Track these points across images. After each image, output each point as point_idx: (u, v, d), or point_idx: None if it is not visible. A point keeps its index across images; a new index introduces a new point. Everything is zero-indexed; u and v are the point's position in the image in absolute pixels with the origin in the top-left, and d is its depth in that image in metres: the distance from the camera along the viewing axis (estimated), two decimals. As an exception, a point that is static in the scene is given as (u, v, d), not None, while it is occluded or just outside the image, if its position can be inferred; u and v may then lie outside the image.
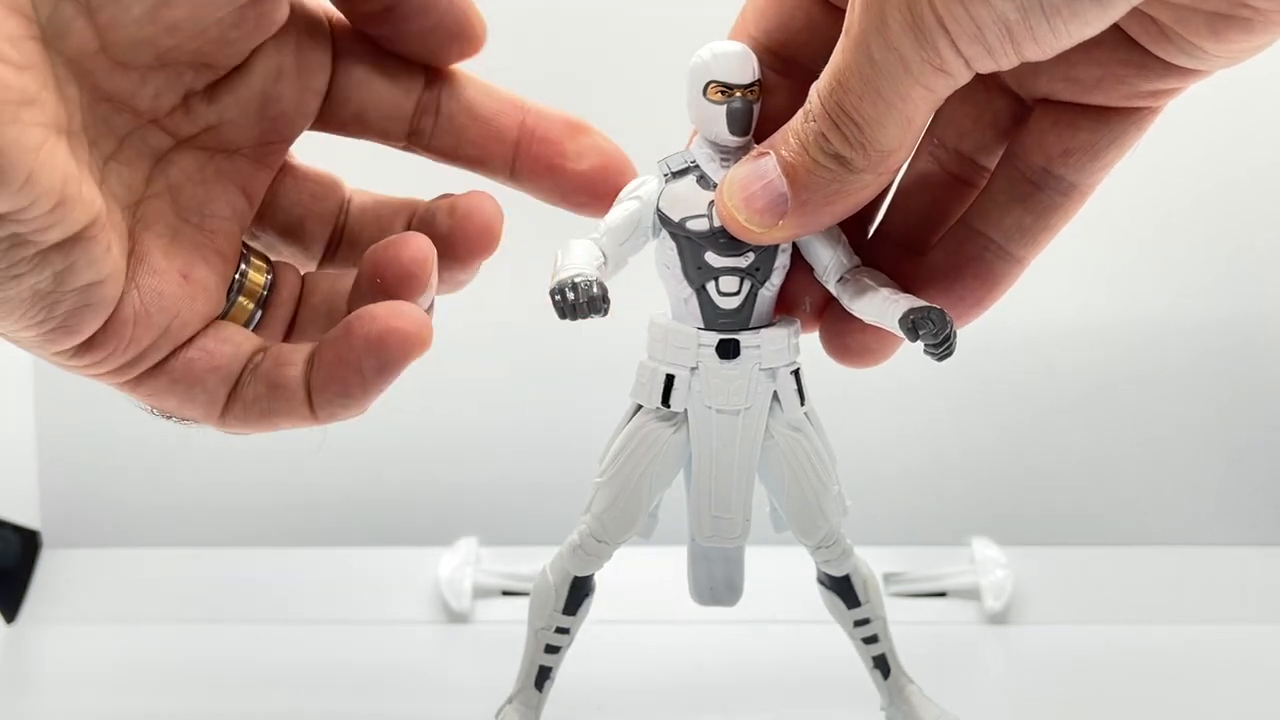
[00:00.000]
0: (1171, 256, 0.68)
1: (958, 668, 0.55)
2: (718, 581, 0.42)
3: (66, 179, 0.26)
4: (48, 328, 0.28)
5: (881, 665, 0.43)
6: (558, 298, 0.28)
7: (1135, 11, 0.30)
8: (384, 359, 0.30)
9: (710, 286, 0.37)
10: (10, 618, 0.58)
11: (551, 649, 0.43)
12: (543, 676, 0.43)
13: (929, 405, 0.68)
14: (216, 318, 0.32)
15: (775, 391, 0.39)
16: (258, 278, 0.34)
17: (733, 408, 0.38)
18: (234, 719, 0.52)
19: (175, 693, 0.53)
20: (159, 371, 0.30)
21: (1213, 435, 0.68)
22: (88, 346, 0.29)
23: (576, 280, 0.27)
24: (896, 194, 0.39)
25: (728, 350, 0.38)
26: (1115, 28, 0.31)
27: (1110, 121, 0.34)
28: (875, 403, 0.65)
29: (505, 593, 0.58)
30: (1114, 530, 0.67)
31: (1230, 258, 0.68)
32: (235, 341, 0.31)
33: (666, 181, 0.37)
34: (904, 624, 0.57)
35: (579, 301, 0.27)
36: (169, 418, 0.32)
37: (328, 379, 0.30)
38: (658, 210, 0.37)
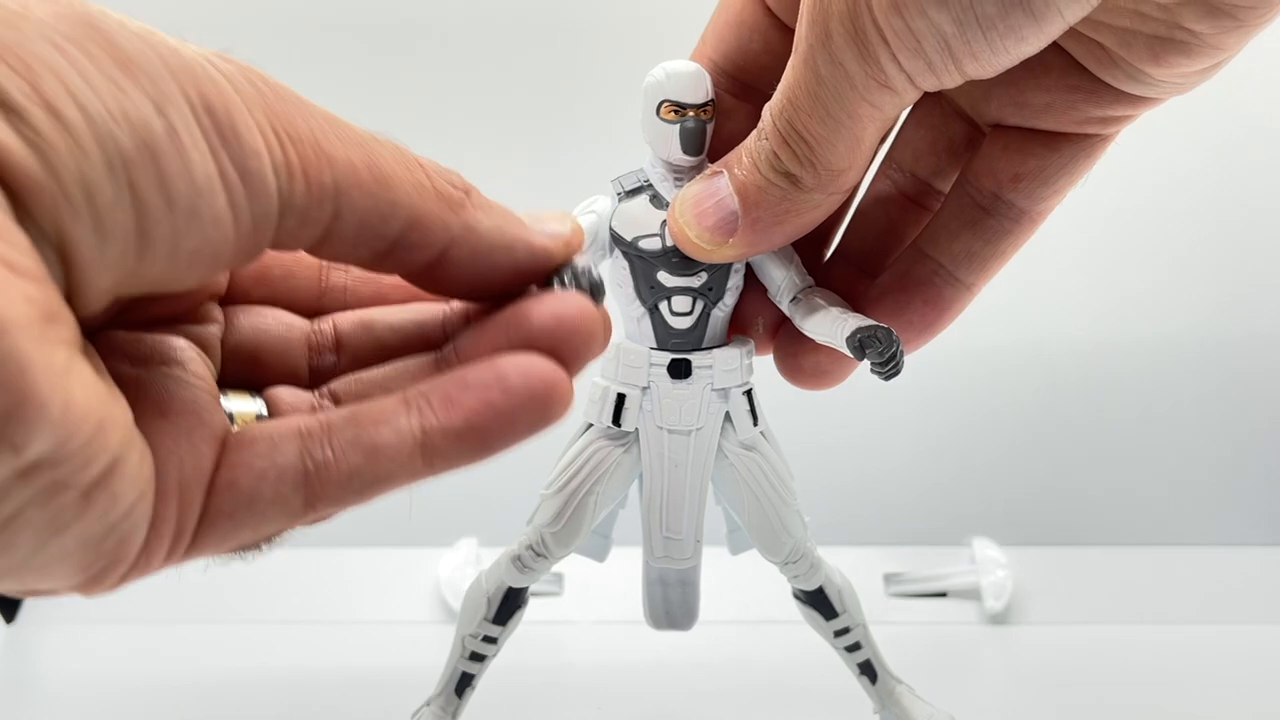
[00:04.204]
0: (1171, 261, 0.68)
1: (958, 668, 0.55)
2: (673, 605, 0.42)
3: (100, 398, 0.21)
4: (93, 572, 0.22)
5: (868, 671, 0.43)
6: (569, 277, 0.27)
7: (1082, 37, 0.31)
8: (543, 415, 0.24)
9: (663, 306, 0.37)
10: (10, 618, 0.58)
11: (477, 657, 0.43)
12: (464, 683, 0.43)
13: (930, 406, 0.68)
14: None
15: (728, 412, 0.39)
16: (246, 409, 0.27)
17: (684, 428, 0.38)
18: (234, 719, 0.52)
19: (175, 693, 0.53)
20: (207, 526, 0.24)
21: (1213, 436, 0.68)
22: (132, 566, 0.23)
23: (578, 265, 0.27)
24: (854, 215, 0.39)
25: (679, 370, 0.38)
26: (1063, 53, 0.32)
27: (1061, 148, 0.34)
28: (876, 403, 0.65)
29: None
30: (1114, 530, 0.67)
31: (1230, 260, 0.68)
32: (266, 436, 0.25)
33: (619, 200, 0.37)
34: (904, 624, 0.57)
35: (596, 282, 0.27)
36: (254, 549, 0.26)
37: (464, 429, 0.24)
38: (610, 229, 0.37)
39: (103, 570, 0.22)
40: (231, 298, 0.29)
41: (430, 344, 0.29)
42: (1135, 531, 0.67)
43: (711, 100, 0.36)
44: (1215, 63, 0.30)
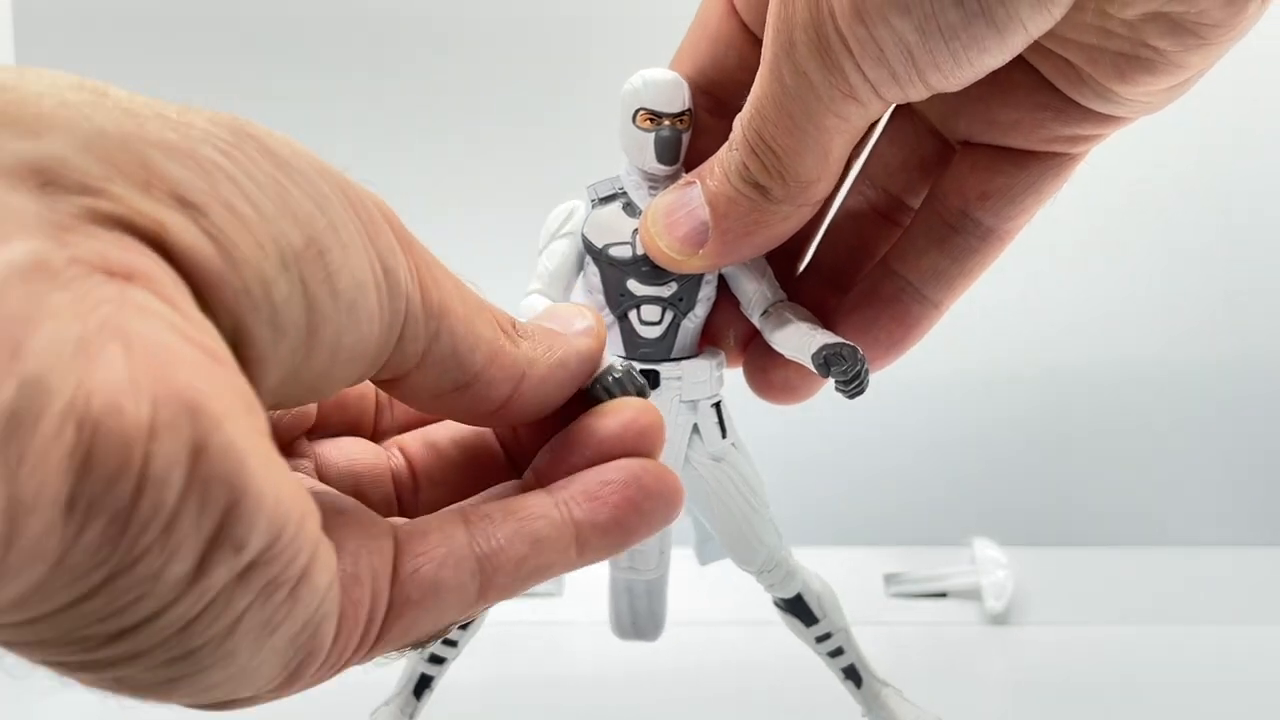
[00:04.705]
0: (1171, 266, 0.68)
1: (959, 669, 0.55)
2: (640, 615, 0.42)
3: (298, 488, 0.20)
4: (291, 669, 0.22)
5: (852, 675, 0.43)
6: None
7: (1049, 53, 0.31)
8: (669, 512, 0.26)
9: (632, 315, 0.37)
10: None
11: (436, 659, 0.43)
12: (423, 685, 0.43)
13: (931, 405, 0.68)
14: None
15: (696, 424, 0.38)
16: None
17: None
18: (233, 719, 0.52)
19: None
20: (395, 616, 0.24)
21: (1213, 436, 0.68)
22: (325, 660, 0.23)
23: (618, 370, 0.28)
24: (827, 230, 0.38)
25: (647, 381, 0.37)
26: (1032, 70, 0.32)
27: (1029, 167, 0.34)
28: (877, 403, 0.65)
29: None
30: (1114, 530, 0.67)
31: (1229, 265, 0.68)
32: (437, 527, 0.25)
33: (593, 207, 0.37)
34: (904, 625, 0.57)
35: (641, 385, 0.28)
36: (424, 645, 0.26)
37: (610, 524, 0.25)
38: (582, 235, 0.37)
39: (299, 666, 0.22)
40: (315, 426, 0.29)
41: (490, 451, 0.29)
42: (1135, 531, 0.67)
43: (688, 110, 0.35)
44: (1181, 81, 0.30)
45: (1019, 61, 0.30)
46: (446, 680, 0.43)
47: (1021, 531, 0.64)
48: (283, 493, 0.19)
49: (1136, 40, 0.29)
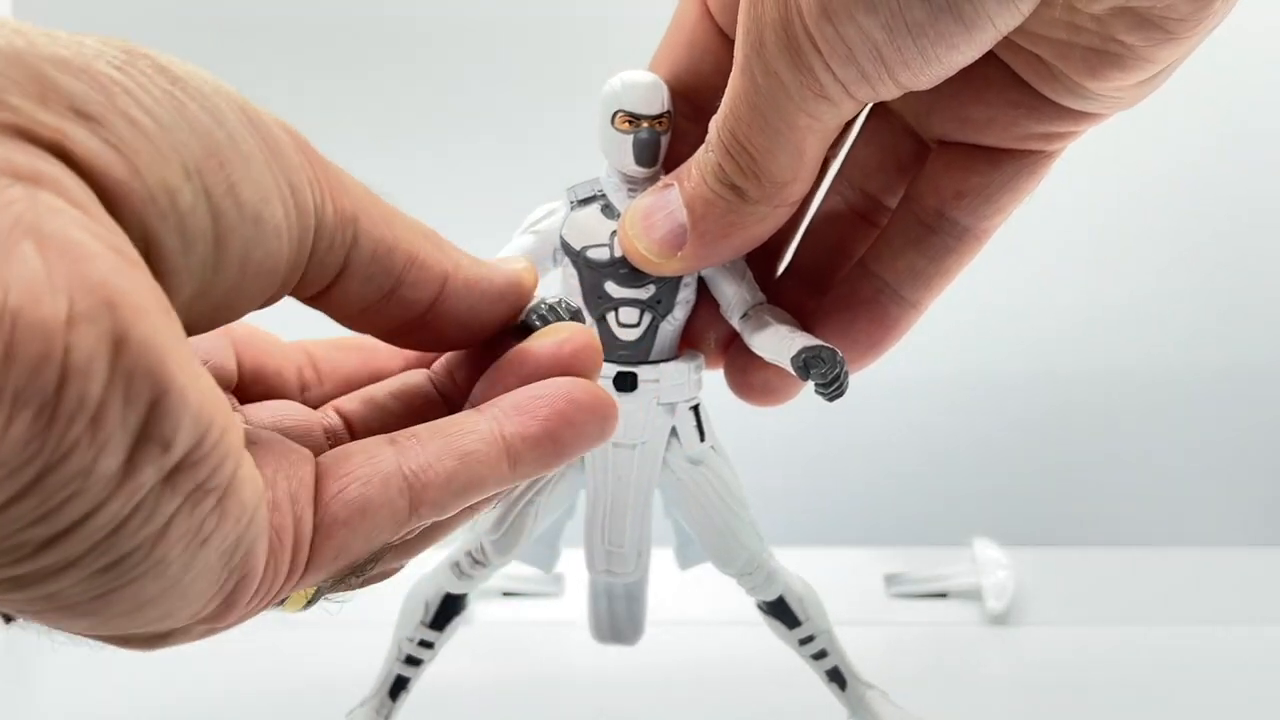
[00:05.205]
0: (1172, 263, 0.68)
1: (959, 669, 0.55)
2: (618, 618, 0.42)
3: (220, 399, 0.20)
4: (226, 591, 0.22)
5: (836, 678, 0.43)
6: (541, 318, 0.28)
7: (1020, 50, 0.31)
8: (602, 426, 0.26)
9: (610, 317, 0.37)
10: (9, 618, 0.58)
11: (412, 661, 0.43)
12: (399, 686, 0.43)
13: (931, 406, 0.68)
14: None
15: (674, 427, 0.38)
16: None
17: (629, 441, 0.38)
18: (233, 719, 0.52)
19: (175, 693, 0.53)
20: (323, 537, 0.24)
21: (1213, 436, 0.69)
22: (259, 585, 0.23)
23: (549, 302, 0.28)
24: (806, 231, 0.38)
25: (625, 383, 0.37)
26: (1004, 67, 0.32)
27: (1003, 165, 0.34)
28: (877, 403, 0.65)
29: (505, 594, 0.58)
30: (1115, 530, 0.67)
31: (1231, 263, 0.68)
32: (361, 449, 0.25)
33: (572, 209, 0.37)
34: (905, 625, 0.57)
35: (576, 309, 0.28)
36: (370, 567, 0.26)
37: (541, 435, 0.25)
38: (560, 237, 0.37)
39: (235, 589, 0.22)
40: (235, 394, 0.29)
41: (430, 400, 0.29)
42: (1135, 531, 0.67)
43: (668, 112, 0.35)
44: (1151, 76, 0.30)
45: (991, 59, 0.30)
46: (445, 680, 0.43)
47: (1021, 531, 0.64)
48: (205, 396, 0.20)
49: (1105, 35, 0.29)
